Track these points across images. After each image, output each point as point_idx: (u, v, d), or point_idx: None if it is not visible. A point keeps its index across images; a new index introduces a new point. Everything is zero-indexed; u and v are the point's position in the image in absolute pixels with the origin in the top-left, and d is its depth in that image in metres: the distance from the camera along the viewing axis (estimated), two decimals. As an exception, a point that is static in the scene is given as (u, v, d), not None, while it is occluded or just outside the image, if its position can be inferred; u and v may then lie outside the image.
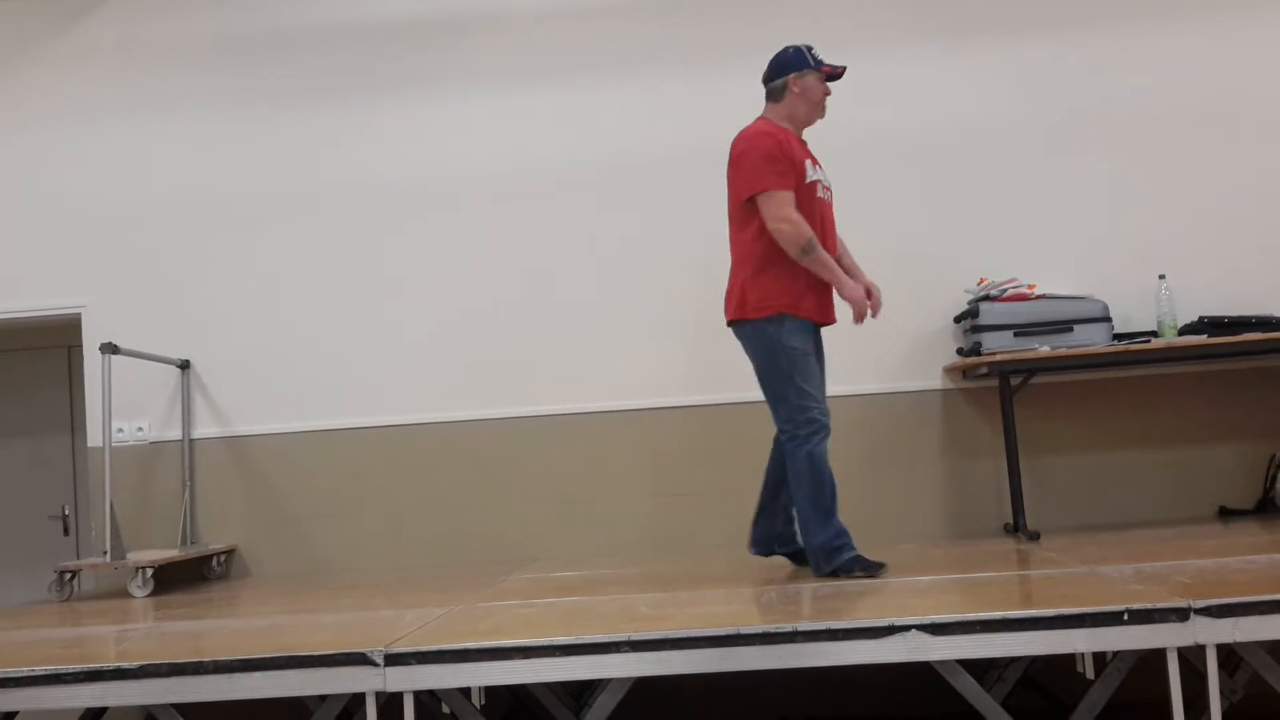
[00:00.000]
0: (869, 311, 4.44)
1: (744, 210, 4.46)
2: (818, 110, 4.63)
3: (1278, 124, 6.05)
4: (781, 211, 4.33)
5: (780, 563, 4.92)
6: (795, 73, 4.56)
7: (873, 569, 4.37)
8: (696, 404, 6.08)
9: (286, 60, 6.44)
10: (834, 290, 4.50)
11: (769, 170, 4.36)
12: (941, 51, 6.21)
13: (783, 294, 4.40)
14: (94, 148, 6.45)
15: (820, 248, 4.34)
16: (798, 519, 4.47)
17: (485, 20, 6.38)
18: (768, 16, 6.26)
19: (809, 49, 4.62)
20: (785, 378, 4.40)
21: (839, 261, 4.58)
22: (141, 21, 6.49)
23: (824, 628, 3.12)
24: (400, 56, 6.40)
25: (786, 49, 4.62)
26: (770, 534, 4.69)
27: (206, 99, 6.45)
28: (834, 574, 4.36)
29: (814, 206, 4.47)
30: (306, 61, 6.43)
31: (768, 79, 4.63)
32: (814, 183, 4.49)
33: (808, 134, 4.73)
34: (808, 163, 4.50)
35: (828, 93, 4.64)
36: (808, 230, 4.32)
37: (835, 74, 4.62)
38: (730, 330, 4.60)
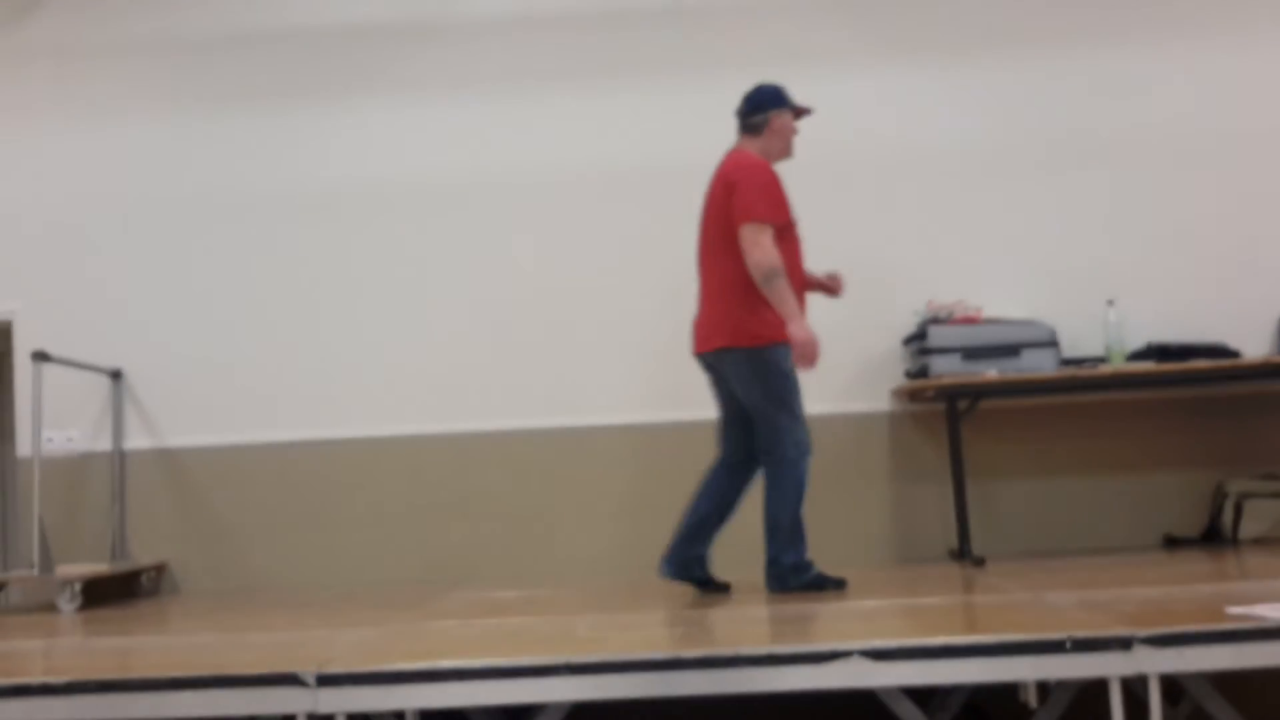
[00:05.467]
0: (812, 360, 4.45)
1: (735, 237, 4.52)
2: (789, 148, 4.79)
3: (1230, 153, 6.13)
4: (760, 238, 4.43)
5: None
6: (775, 110, 4.71)
7: (838, 585, 4.56)
8: (644, 423, 6.05)
9: (225, 66, 6.37)
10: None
11: (765, 201, 4.48)
12: (894, 72, 6.24)
13: (778, 323, 4.47)
14: (28, 151, 6.36)
15: (785, 278, 4.41)
16: (768, 534, 4.53)
17: (431, 29, 6.34)
18: (720, 33, 6.27)
19: (784, 88, 4.75)
20: (780, 403, 4.50)
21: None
22: (78, 25, 6.41)
23: (766, 653, 3.08)
24: (344, 64, 6.34)
25: (764, 86, 4.75)
26: (690, 557, 4.67)
27: (144, 104, 6.37)
28: (800, 589, 4.50)
29: (795, 244, 4.63)
30: (246, 68, 6.37)
31: (746, 113, 4.73)
32: (795, 220, 4.63)
33: None
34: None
35: (796, 132, 4.79)
36: (778, 260, 4.41)
37: (805, 113, 4.80)
38: (701, 357, 4.69)
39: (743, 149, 4.70)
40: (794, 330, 4.40)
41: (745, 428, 4.69)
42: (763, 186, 4.49)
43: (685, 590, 4.82)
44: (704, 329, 4.63)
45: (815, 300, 6.04)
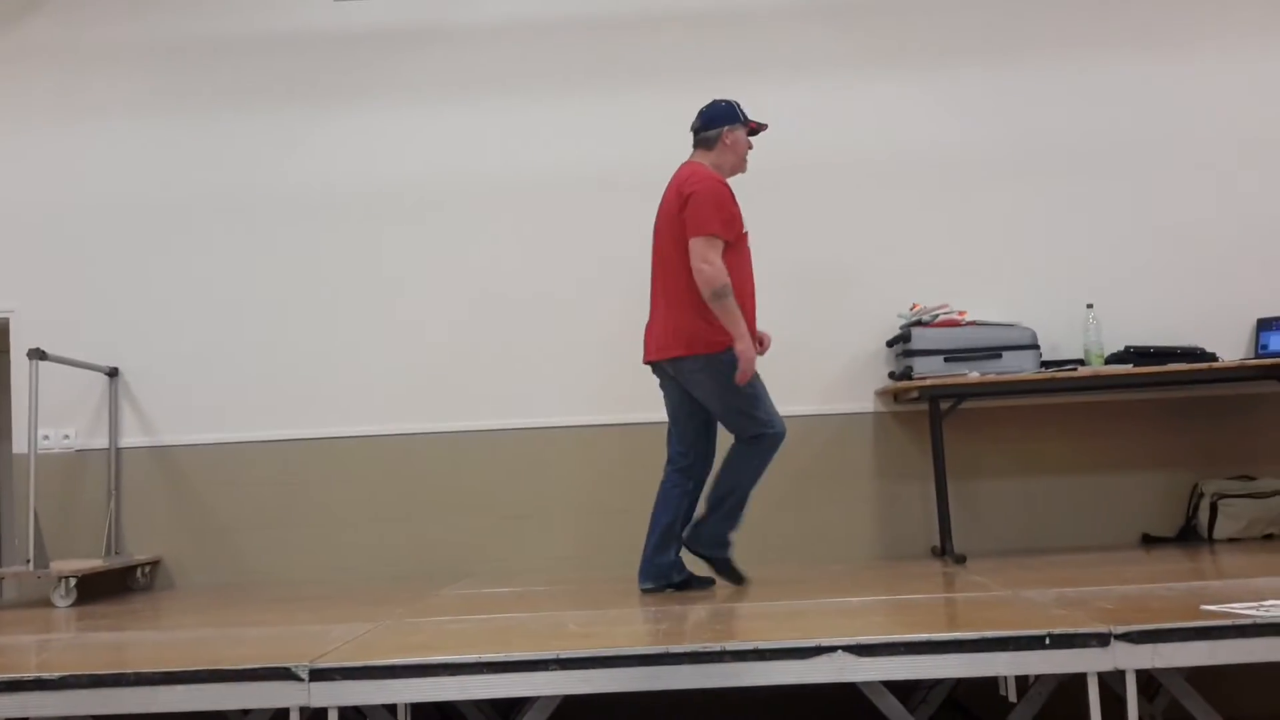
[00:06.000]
0: (746, 377, 4.54)
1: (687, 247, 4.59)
2: (742, 163, 4.87)
3: (1207, 158, 6.18)
4: (709, 254, 4.49)
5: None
6: (728, 125, 4.78)
7: (738, 579, 4.77)
8: (635, 421, 6.08)
9: (224, 68, 6.39)
10: (754, 325, 4.72)
11: (718, 216, 4.54)
12: (882, 78, 6.28)
13: None
14: (25, 149, 6.36)
15: (732, 297, 4.48)
16: (719, 497, 4.66)
17: (427, 34, 6.37)
18: (709, 41, 6.30)
19: (738, 104, 4.84)
20: (752, 400, 4.59)
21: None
22: (79, 25, 6.42)
23: (751, 648, 3.13)
24: (341, 67, 6.37)
25: (718, 102, 4.85)
26: (663, 564, 4.73)
27: (144, 104, 6.38)
28: (713, 561, 4.71)
29: (745, 254, 4.69)
30: (245, 70, 6.39)
31: (700, 128, 4.81)
32: (746, 233, 4.70)
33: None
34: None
35: (751, 147, 4.87)
36: (726, 277, 4.48)
37: (759, 129, 4.88)
38: (656, 365, 4.78)
39: (694, 162, 4.77)
40: (740, 348, 4.48)
41: (694, 430, 4.78)
42: (717, 201, 4.54)
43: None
44: (658, 337, 4.69)
45: (801, 302, 6.10)
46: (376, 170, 6.31)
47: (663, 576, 4.71)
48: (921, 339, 5.66)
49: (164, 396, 6.22)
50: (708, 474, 4.81)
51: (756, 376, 4.59)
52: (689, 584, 4.76)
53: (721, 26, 6.32)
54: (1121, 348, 5.85)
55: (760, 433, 4.61)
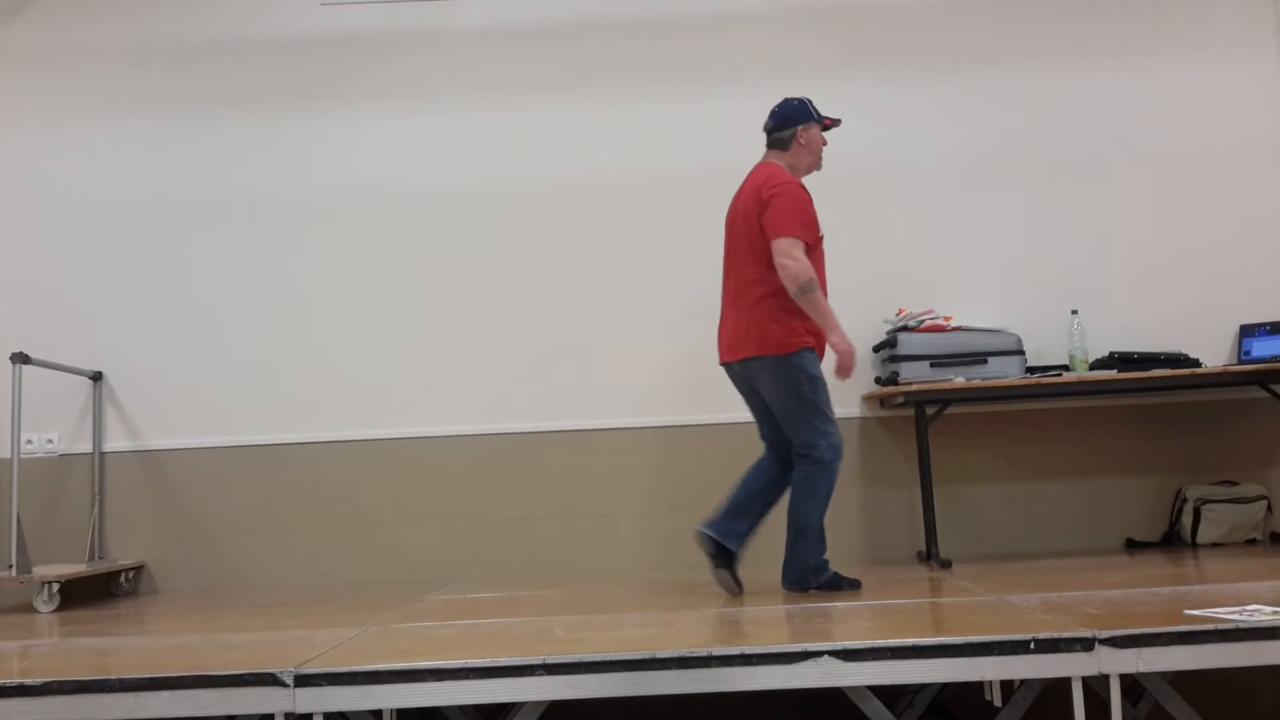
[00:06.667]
0: (850, 370, 4.54)
1: (769, 250, 4.56)
2: (818, 161, 4.83)
3: (1191, 164, 6.21)
4: (794, 251, 4.46)
5: (698, 584, 4.93)
6: (802, 124, 4.74)
7: (853, 585, 4.62)
8: (622, 426, 6.08)
9: (212, 71, 6.38)
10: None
11: (799, 219, 4.52)
12: (868, 83, 6.29)
13: (805, 331, 4.54)
14: (8, 152, 6.34)
15: (819, 291, 4.47)
16: (796, 535, 4.58)
17: (414, 38, 6.36)
18: (700, 42, 6.31)
19: (810, 101, 4.79)
20: (811, 407, 4.55)
21: None
22: (64, 27, 6.40)
23: (738, 653, 3.13)
24: (335, 68, 6.36)
25: (790, 100, 4.79)
26: (735, 530, 4.63)
27: (129, 106, 6.36)
28: (819, 589, 4.57)
29: (820, 258, 4.66)
30: (233, 72, 6.37)
31: (773, 129, 4.77)
32: (822, 236, 4.66)
33: None
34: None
35: (825, 144, 4.84)
36: (812, 272, 4.46)
37: (833, 125, 4.83)
38: (728, 366, 4.74)
39: (771, 163, 4.73)
40: (836, 341, 4.48)
41: (777, 427, 4.75)
42: (797, 204, 4.52)
43: (661, 591, 4.86)
44: (731, 338, 4.67)
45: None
46: (370, 175, 6.30)
47: (724, 536, 4.61)
48: (907, 344, 5.67)
49: (148, 401, 6.19)
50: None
51: (823, 387, 4.56)
52: (732, 567, 4.65)
53: (710, 29, 6.32)
54: (1106, 353, 5.87)
55: (814, 443, 4.54)
